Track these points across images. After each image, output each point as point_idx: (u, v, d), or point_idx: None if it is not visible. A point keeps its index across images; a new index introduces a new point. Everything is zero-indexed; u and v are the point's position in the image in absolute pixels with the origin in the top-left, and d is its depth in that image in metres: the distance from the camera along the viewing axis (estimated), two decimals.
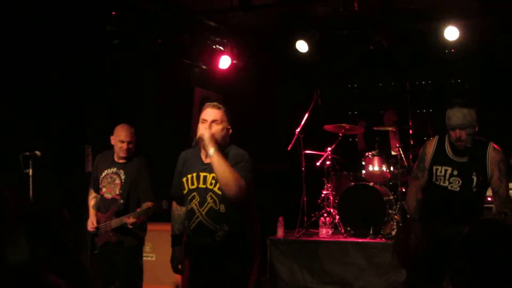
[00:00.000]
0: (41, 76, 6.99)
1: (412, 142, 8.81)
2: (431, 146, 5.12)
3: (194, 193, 4.55)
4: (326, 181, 9.14)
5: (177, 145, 8.17)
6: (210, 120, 4.46)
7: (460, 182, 4.92)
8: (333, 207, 8.94)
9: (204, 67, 9.78)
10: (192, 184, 4.57)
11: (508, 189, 4.94)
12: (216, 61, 9.46)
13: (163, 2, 8.09)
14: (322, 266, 8.13)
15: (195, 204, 4.53)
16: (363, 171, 8.98)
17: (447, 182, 4.96)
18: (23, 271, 2.00)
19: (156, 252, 8.12)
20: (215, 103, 4.64)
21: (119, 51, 7.64)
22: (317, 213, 9.04)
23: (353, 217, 8.60)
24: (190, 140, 4.54)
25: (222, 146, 4.41)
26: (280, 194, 9.77)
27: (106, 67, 7.82)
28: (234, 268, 4.49)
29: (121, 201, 6.01)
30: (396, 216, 8.40)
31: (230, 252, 4.48)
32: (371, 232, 8.29)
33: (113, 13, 7.13)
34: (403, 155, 8.59)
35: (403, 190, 8.28)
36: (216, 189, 4.45)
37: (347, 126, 8.99)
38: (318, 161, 9.14)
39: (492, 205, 5.36)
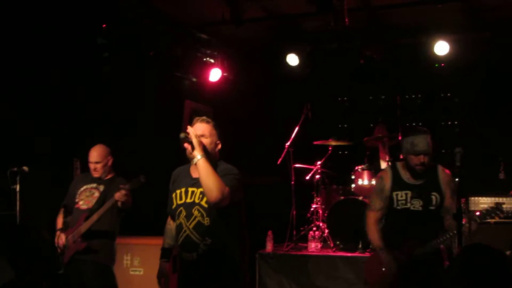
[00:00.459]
0: (30, 89, 6.99)
1: (401, 156, 8.80)
2: (387, 175, 5.30)
3: (181, 208, 4.53)
4: (315, 195, 9.12)
5: (167, 158, 8.20)
6: (199, 135, 4.43)
7: (421, 202, 5.11)
8: (322, 221, 8.92)
9: (194, 79, 9.77)
10: (180, 199, 4.56)
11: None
12: (206, 73, 9.46)
13: (155, 15, 8.09)
14: (311, 281, 8.10)
15: (183, 219, 4.51)
16: (353, 185, 8.97)
17: (408, 204, 5.14)
18: None
19: (144, 266, 8.08)
20: (204, 118, 4.62)
21: (110, 64, 7.63)
22: (306, 226, 9.02)
23: (343, 231, 8.58)
24: (180, 153, 4.51)
25: (211, 160, 4.38)
26: (269, 208, 9.74)
27: (97, 80, 7.81)
28: (221, 286, 4.45)
29: (93, 208, 5.95)
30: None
31: (216, 268, 4.44)
32: (360, 246, 8.27)
33: (104, 25, 7.12)
34: None
35: None
36: (203, 202, 4.43)
37: (334, 143, 9.01)
38: (307, 174, 9.13)
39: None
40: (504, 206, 5.21)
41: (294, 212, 8.85)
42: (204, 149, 4.36)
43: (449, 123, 10.74)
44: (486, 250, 2.83)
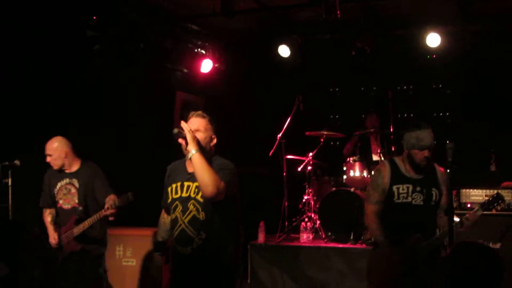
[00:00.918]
0: (20, 81, 6.97)
1: (393, 148, 8.83)
2: (385, 169, 5.27)
3: (177, 202, 4.54)
4: (307, 186, 9.13)
5: (159, 150, 8.20)
6: (194, 129, 4.43)
7: (422, 196, 5.13)
8: (314, 212, 8.95)
9: (185, 70, 9.75)
10: (176, 193, 4.56)
11: None
12: (197, 64, 9.43)
13: (145, 7, 8.05)
14: (303, 272, 8.12)
15: (178, 213, 4.51)
16: (344, 176, 8.98)
17: (410, 198, 5.13)
18: None
19: (137, 257, 8.09)
20: (200, 112, 4.61)
21: (100, 56, 7.60)
22: (298, 218, 9.04)
23: (334, 222, 8.60)
24: (172, 145, 4.51)
25: (206, 155, 4.38)
26: (261, 199, 9.75)
27: (87, 73, 7.79)
28: (216, 280, 4.45)
29: (80, 208, 6.01)
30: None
31: (210, 262, 4.45)
32: (351, 237, 8.30)
33: (95, 18, 7.09)
34: None
35: None
36: (198, 197, 4.44)
37: (326, 133, 9.00)
38: (299, 166, 9.15)
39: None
40: None
41: (286, 203, 8.87)
42: (198, 144, 4.36)
43: (441, 114, 10.77)
44: (476, 248, 2.85)
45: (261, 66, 10.23)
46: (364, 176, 8.76)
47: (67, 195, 6.08)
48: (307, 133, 9.09)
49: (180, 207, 4.51)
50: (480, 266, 2.71)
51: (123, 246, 8.17)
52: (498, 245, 7.14)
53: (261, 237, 8.60)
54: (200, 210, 4.43)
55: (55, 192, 6.16)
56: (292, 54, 9.31)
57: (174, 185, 4.59)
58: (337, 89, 11.41)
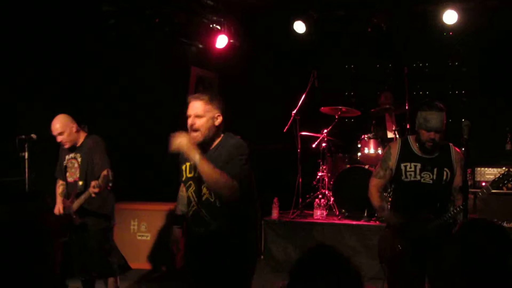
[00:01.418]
0: (39, 59, 7.01)
1: (408, 126, 8.79)
2: (395, 146, 5.26)
3: (191, 182, 4.49)
4: (321, 163, 9.13)
5: (174, 124, 8.20)
6: (194, 115, 4.31)
7: (432, 175, 5.07)
8: (328, 189, 8.96)
9: (200, 46, 9.73)
10: (190, 172, 4.51)
11: None
12: (213, 40, 9.40)
13: None
14: None
15: (191, 193, 4.48)
16: (359, 154, 8.97)
17: (418, 177, 5.09)
18: None
19: (151, 231, 8.16)
20: (197, 95, 4.42)
21: (116, 31, 7.60)
22: (312, 194, 9.05)
23: (348, 199, 8.61)
24: (186, 121, 4.45)
25: (213, 137, 4.33)
26: (275, 175, 9.76)
27: (103, 48, 7.79)
28: (231, 263, 4.39)
29: (80, 182, 6.02)
30: (390, 199, 8.39)
31: (225, 246, 4.39)
32: (365, 214, 8.32)
33: None
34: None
35: None
36: None
37: (344, 109, 8.96)
38: (314, 142, 9.13)
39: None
40: None
41: (300, 180, 8.86)
42: (198, 144, 4.25)
43: (457, 92, 10.71)
44: (484, 225, 2.84)
45: (276, 42, 10.18)
46: (378, 153, 8.72)
47: (72, 168, 6.12)
48: (322, 109, 9.06)
49: (193, 187, 4.47)
50: (488, 243, 2.71)
51: (137, 220, 8.24)
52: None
53: (275, 213, 8.64)
54: (213, 194, 4.35)
55: (65, 164, 6.20)
56: (307, 30, 9.26)
57: (188, 163, 4.50)
58: (352, 66, 11.35)
